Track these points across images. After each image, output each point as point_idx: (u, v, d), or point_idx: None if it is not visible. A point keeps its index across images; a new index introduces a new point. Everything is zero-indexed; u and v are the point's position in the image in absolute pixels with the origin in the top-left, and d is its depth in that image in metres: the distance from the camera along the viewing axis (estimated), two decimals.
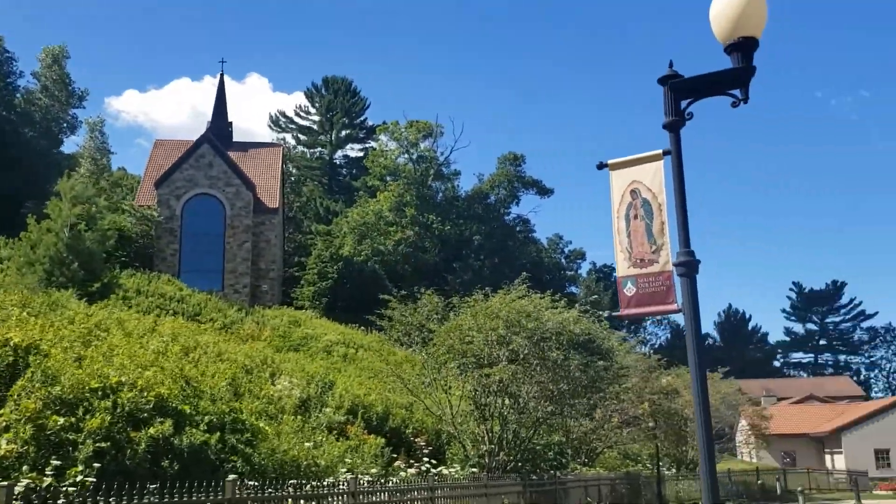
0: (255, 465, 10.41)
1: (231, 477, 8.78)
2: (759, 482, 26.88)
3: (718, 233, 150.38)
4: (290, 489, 9.66)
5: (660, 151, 5.50)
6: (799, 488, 21.11)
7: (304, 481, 10.26)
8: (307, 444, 11.80)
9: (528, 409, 16.24)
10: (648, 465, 30.19)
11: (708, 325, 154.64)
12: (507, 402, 15.81)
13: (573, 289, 77.87)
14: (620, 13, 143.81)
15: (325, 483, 10.39)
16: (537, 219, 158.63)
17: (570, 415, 17.46)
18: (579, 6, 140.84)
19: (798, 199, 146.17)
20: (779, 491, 27.42)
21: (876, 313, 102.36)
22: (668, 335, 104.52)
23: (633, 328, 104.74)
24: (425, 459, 14.38)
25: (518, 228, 63.26)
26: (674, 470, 31.84)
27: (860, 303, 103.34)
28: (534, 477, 16.36)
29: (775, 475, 30.90)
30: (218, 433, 9.99)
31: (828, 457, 50.35)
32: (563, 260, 75.51)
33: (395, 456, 14.58)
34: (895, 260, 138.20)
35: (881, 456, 47.35)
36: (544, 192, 62.68)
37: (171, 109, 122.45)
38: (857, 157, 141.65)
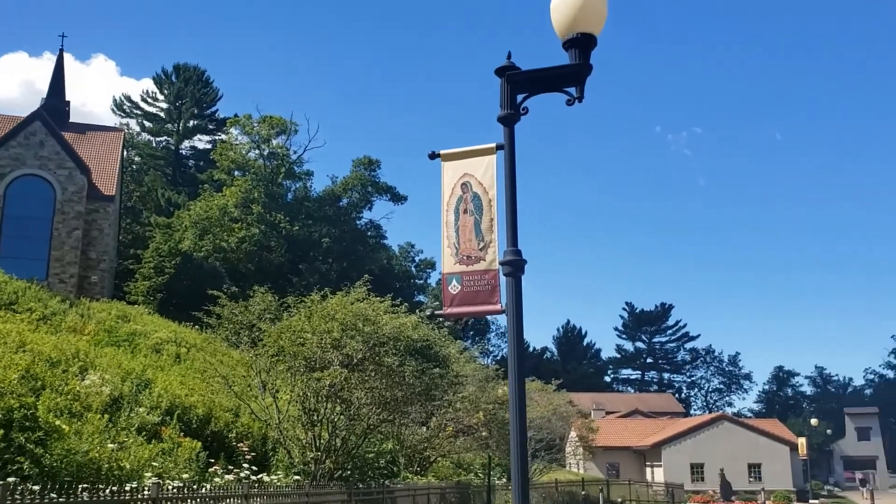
0: (46, 466, 9.36)
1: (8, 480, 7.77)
2: (583, 493, 27.73)
3: (563, 252, 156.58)
4: (85, 494, 8.72)
5: (493, 145, 5.25)
6: (619, 499, 21.79)
7: (101, 486, 9.31)
8: (111, 446, 10.77)
9: (360, 416, 15.78)
10: (480, 475, 30.47)
11: (547, 340, 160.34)
12: (337, 407, 15.27)
13: (421, 297, 78.31)
14: (494, 13, 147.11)
15: (126, 488, 9.48)
16: (389, 225, 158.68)
17: (403, 422, 17.13)
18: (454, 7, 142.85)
19: (634, 223, 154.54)
20: (601, 501, 28.41)
21: (698, 336, 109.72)
22: None
23: (476, 339, 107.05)
24: (245, 465, 13.58)
25: (369, 234, 62.76)
26: (504, 479, 32.34)
27: (685, 325, 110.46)
28: (360, 485, 15.89)
29: (599, 486, 32.07)
30: (1, 431, 8.90)
31: (648, 469, 53.12)
32: (413, 268, 75.73)
33: (212, 461, 13.69)
34: (716, 288, 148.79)
35: (696, 470, 50.46)
36: (398, 198, 62.54)
37: (1, 83, 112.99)
38: (686, 191, 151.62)
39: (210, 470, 12.99)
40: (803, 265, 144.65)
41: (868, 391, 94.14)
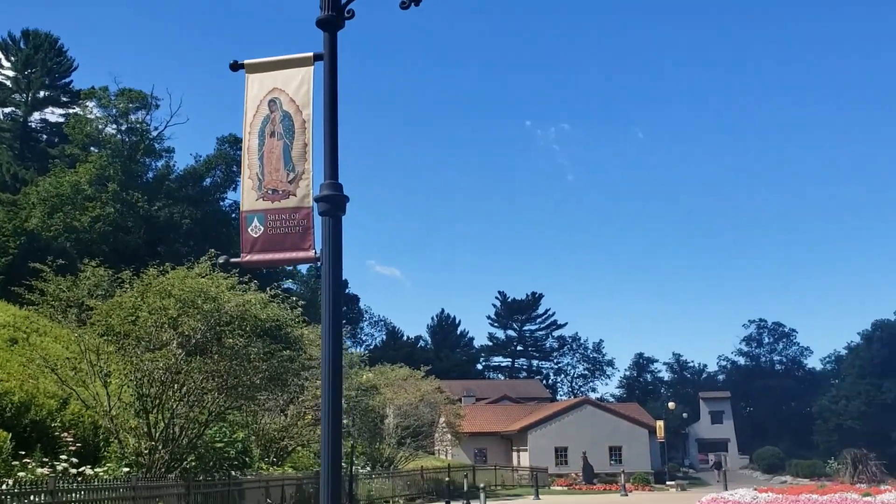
0: None
1: None
2: (447, 479, 27.23)
3: (439, 242, 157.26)
4: None
5: (310, 54, 4.26)
6: (481, 485, 21.37)
7: None
8: None
9: (203, 402, 14.43)
10: (344, 464, 29.50)
11: (421, 329, 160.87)
12: (175, 392, 13.87)
13: (290, 284, 76.23)
14: None
15: None
16: None
17: (255, 410, 15.87)
18: None
19: (511, 216, 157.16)
20: (465, 487, 28.04)
21: (566, 324, 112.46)
22: (384, 336, 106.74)
23: (348, 328, 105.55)
24: (63, 458, 12.01)
25: (234, 216, 60.04)
26: (368, 468, 31.47)
27: (553, 313, 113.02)
28: (201, 477, 14.54)
29: (464, 472, 31.76)
30: None
31: (515, 454, 53.65)
32: None
33: (23, 453, 12.03)
34: (584, 279, 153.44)
35: (560, 453, 51.31)
36: None
37: None
38: (555, 184, 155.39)
39: (15, 462, 11.33)
40: (662, 255, 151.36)
41: (721, 377, 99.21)
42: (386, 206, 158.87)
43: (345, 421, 23.75)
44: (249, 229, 4.15)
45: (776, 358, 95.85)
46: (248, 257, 4.18)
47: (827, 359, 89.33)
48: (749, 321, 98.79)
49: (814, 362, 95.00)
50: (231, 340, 13.30)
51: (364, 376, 24.54)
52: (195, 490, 13.91)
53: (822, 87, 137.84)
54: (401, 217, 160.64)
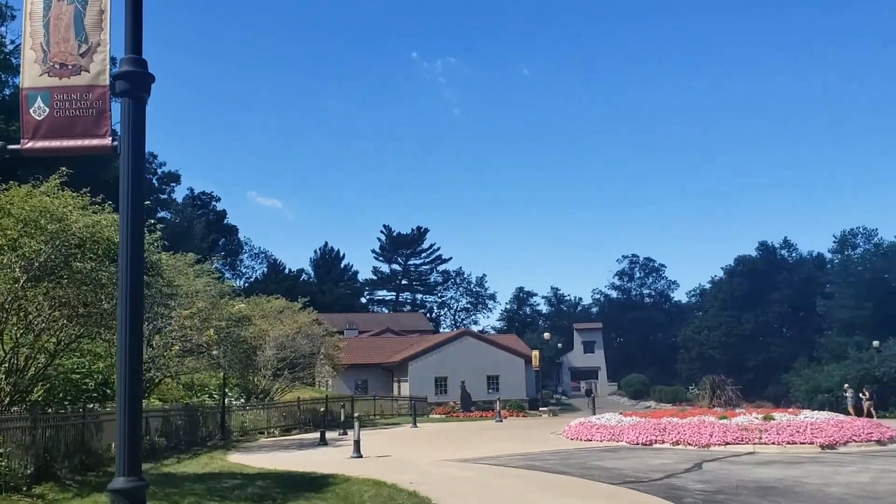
0: None
1: None
2: (322, 410, 27.03)
3: (324, 174, 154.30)
4: None
5: None
6: (357, 414, 21.17)
7: None
8: None
9: (51, 330, 13.42)
10: (216, 396, 28.77)
11: (304, 262, 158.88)
12: (19, 320, 12.81)
13: (165, 214, 73.08)
14: None
15: None
16: None
17: (105, 338, 14.90)
18: None
19: (396, 149, 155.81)
20: (343, 417, 28.00)
21: (450, 258, 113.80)
22: (265, 269, 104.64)
23: (228, 260, 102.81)
24: None
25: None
26: (242, 400, 30.88)
27: (438, 248, 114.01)
28: (51, 410, 13.64)
29: (342, 403, 31.71)
30: None
31: (396, 385, 54.19)
32: (154, 181, 70.31)
33: None
34: (468, 214, 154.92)
35: (440, 383, 52.22)
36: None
37: None
38: (441, 118, 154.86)
39: None
40: (543, 192, 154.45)
41: (595, 309, 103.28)
42: (266, 134, 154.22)
43: (214, 352, 23.04)
44: (32, 110, 3.50)
45: (646, 291, 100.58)
46: (29, 144, 3.53)
47: (692, 292, 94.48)
48: (623, 256, 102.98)
49: (680, 295, 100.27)
50: (80, 264, 12.32)
51: (236, 307, 23.73)
52: (43, 423, 13.02)
53: (692, 32, 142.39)
54: (283, 147, 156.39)
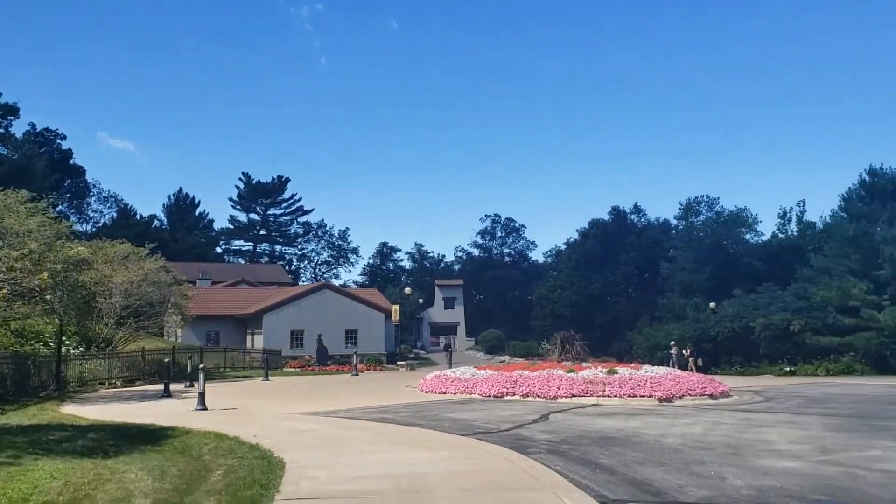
0: None
1: None
2: (167, 360, 25.80)
3: (178, 117, 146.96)
4: None
5: None
6: (202, 366, 20.26)
7: None
8: None
9: None
10: (52, 344, 26.87)
11: (156, 208, 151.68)
12: None
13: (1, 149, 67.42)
14: None
15: None
16: None
17: None
18: None
19: (258, 95, 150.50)
20: (189, 369, 26.87)
21: (312, 210, 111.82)
22: (115, 214, 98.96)
23: (74, 203, 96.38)
24: None
25: None
26: (82, 349, 29.02)
27: (300, 199, 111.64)
28: None
29: (189, 354, 30.44)
30: None
31: (250, 337, 52.83)
32: None
33: None
34: (332, 166, 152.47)
35: (296, 336, 51.35)
36: None
37: None
38: (305, 70, 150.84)
39: None
40: (407, 148, 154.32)
41: (457, 267, 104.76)
42: (120, 73, 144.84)
43: (49, 297, 21.32)
44: None
45: (506, 251, 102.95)
46: None
47: (549, 253, 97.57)
48: (486, 215, 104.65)
49: (538, 255, 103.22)
50: None
51: (74, 249, 21.96)
52: None
53: None
54: (137, 88, 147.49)
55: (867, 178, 47.64)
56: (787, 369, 42.23)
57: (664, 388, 21.73)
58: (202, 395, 19.21)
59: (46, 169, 68.66)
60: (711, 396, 22.55)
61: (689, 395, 21.98)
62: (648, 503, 8.14)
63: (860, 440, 13.55)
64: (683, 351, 41.62)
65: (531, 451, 11.73)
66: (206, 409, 18.87)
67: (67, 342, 27.83)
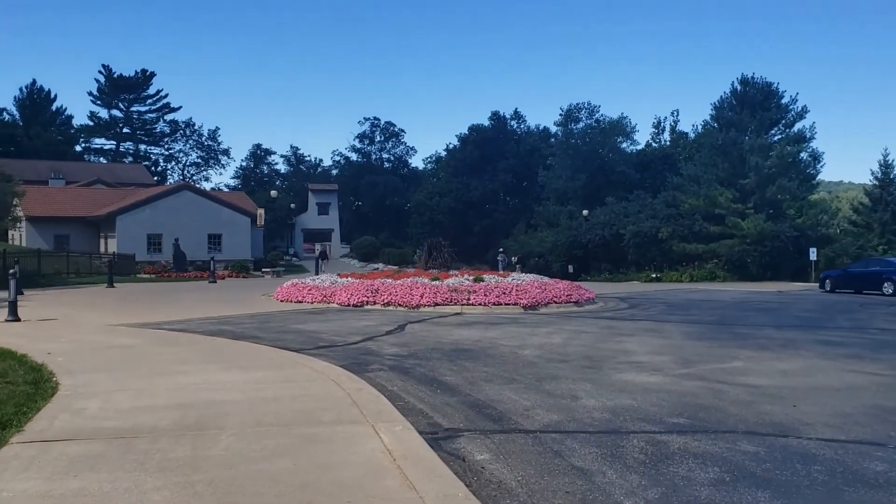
0: None
1: None
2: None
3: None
4: None
5: None
6: (12, 270, 17.67)
7: None
8: None
9: None
10: None
11: (7, 101, 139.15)
12: None
13: None
14: None
15: None
16: None
17: None
18: None
19: None
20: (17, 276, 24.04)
21: (180, 108, 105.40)
22: None
23: None
24: None
25: None
26: None
27: (166, 95, 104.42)
28: None
29: (16, 258, 27.33)
30: None
31: (103, 241, 49.09)
32: None
33: None
34: (201, 61, 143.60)
35: (153, 240, 48.01)
36: None
37: None
38: None
39: None
40: (280, 45, 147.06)
41: (335, 171, 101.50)
42: None
43: None
44: None
45: (385, 156, 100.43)
46: None
47: (428, 159, 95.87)
48: (364, 118, 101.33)
49: (417, 161, 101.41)
50: None
51: None
52: None
53: None
54: None
55: (739, 88, 48.00)
56: (654, 276, 43.00)
57: (530, 295, 20.89)
58: (13, 305, 16.80)
59: None
60: (577, 304, 21.96)
61: (555, 302, 21.27)
62: (485, 432, 6.86)
63: (721, 350, 12.96)
64: (512, 258, 43.03)
65: (371, 369, 10.33)
66: (17, 320, 16.53)
67: None
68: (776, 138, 47.37)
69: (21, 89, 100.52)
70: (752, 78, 47.83)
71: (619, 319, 18.58)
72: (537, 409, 7.88)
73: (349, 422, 6.76)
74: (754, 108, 46.59)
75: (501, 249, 44.59)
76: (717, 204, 43.80)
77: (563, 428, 7.12)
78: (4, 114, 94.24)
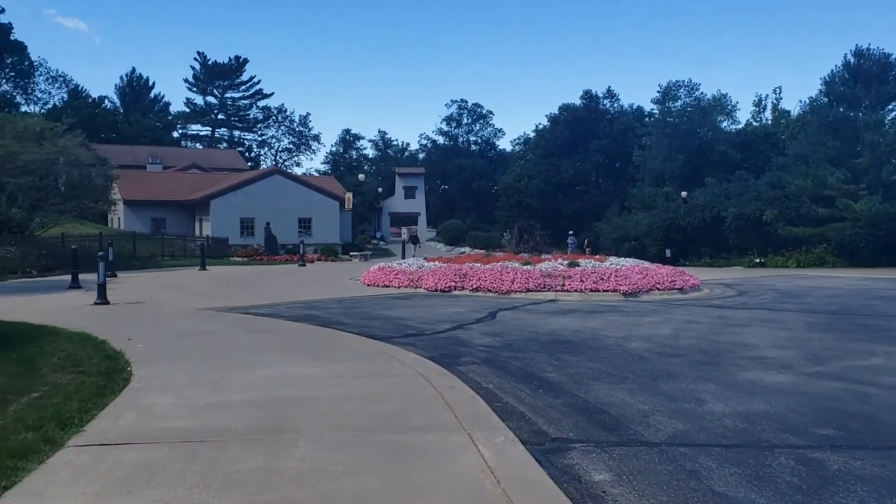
0: None
1: None
2: (74, 248, 23.06)
3: None
4: None
5: None
6: (100, 253, 17.54)
7: None
8: None
9: None
10: None
11: (108, 89, 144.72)
12: None
13: None
14: None
15: None
16: None
17: None
18: None
19: None
20: (111, 257, 24.36)
21: (272, 94, 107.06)
22: (65, 95, 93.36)
23: (20, 83, 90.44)
24: None
25: None
26: None
27: (259, 82, 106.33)
28: None
29: (109, 241, 27.71)
30: None
31: (198, 224, 49.97)
32: None
33: None
34: (292, 46, 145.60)
35: (246, 224, 48.54)
36: None
37: None
38: None
39: None
40: (370, 28, 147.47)
41: (422, 155, 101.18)
42: None
43: None
44: None
45: (472, 138, 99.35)
46: None
47: (517, 140, 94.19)
48: (451, 101, 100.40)
49: (504, 144, 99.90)
50: None
51: None
52: None
53: None
54: None
55: (852, 60, 44.69)
56: (757, 261, 40.66)
57: (630, 281, 19.60)
58: (102, 288, 16.68)
59: None
60: (681, 290, 20.52)
61: (658, 289, 19.90)
62: (601, 444, 5.87)
63: (852, 344, 11.53)
64: (584, 242, 41.92)
65: (462, 362, 9.44)
66: (106, 303, 16.41)
67: None
68: (894, 114, 44.00)
69: (121, 77, 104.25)
70: (868, 49, 44.50)
71: (729, 308, 17.14)
72: (657, 415, 6.82)
73: (442, 428, 5.87)
74: (870, 81, 43.30)
75: (571, 232, 43.97)
76: (827, 185, 40.94)
77: (692, 440, 6.06)
78: (107, 102, 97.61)
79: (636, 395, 7.69)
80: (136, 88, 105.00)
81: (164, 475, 4.71)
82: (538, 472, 4.89)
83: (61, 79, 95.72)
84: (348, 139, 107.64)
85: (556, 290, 19.27)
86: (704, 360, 9.91)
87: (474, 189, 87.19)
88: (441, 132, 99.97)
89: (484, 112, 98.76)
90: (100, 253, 17.07)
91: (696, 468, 5.27)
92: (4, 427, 5.85)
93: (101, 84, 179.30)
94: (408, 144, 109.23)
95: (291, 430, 5.79)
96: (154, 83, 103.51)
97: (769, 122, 63.08)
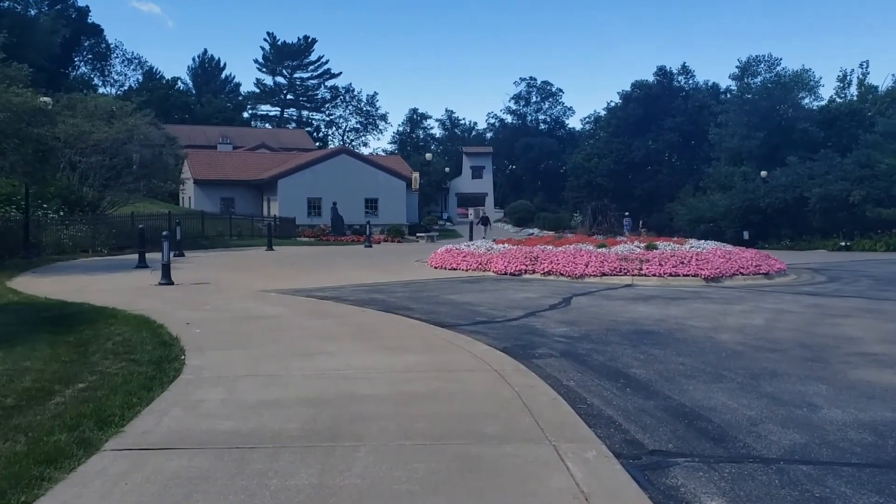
0: None
1: None
2: (140, 227, 22.99)
3: None
4: None
5: None
6: (165, 233, 17.25)
7: None
8: None
9: None
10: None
11: (181, 70, 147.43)
12: None
13: None
14: None
15: None
16: None
17: None
18: None
19: None
20: (179, 236, 24.33)
21: (340, 73, 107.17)
22: (140, 77, 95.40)
23: (98, 65, 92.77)
24: None
25: None
26: (62, 213, 26.34)
27: (327, 61, 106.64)
28: None
29: (177, 220, 27.71)
30: None
31: (266, 204, 50.19)
32: None
33: None
34: (359, 25, 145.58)
35: (313, 204, 48.49)
36: None
37: None
38: None
39: None
40: (436, 7, 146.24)
41: (489, 134, 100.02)
42: None
43: None
44: None
45: (541, 117, 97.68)
46: None
47: (587, 119, 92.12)
48: (520, 79, 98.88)
49: (574, 122, 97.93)
50: None
51: (20, 97, 18.64)
52: None
53: None
54: None
55: None
56: (843, 244, 38.60)
57: (712, 265, 18.45)
58: (166, 268, 16.43)
59: (52, 23, 64.35)
60: (766, 275, 19.25)
61: (741, 273, 18.70)
62: (706, 459, 5.03)
63: None
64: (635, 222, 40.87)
65: (538, 354, 8.66)
66: (170, 283, 16.15)
67: (45, 206, 25.21)
68: None
69: (193, 59, 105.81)
70: None
71: (822, 295, 15.88)
72: (767, 423, 5.92)
73: (522, 438, 5.12)
74: None
75: (626, 213, 43.02)
76: None
77: (814, 456, 5.16)
78: (180, 83, 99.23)
79: (738, 397, 6.79)
80: (207, 70, 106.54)
81: (205, 490, 4.10)
82: (641, 500, 4.10)
83: (136, 61, 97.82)
84: (415, 119, 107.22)
85: (633, 275, 18.27)
86: (807, 355, 8.90)
87: (542, 169, 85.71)
88: (509, 111, 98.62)
89: (553, 90, 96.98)
90: (164, 233, 16.79)
91: (828, 495, 4.40)
92: (41, 425, 5.36)
93: (175, 66, 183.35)
94: (475, 124, 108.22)
95: (351, 435, 5.13)
96: (225, 64, 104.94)
97: (854, 98, 59.90)
